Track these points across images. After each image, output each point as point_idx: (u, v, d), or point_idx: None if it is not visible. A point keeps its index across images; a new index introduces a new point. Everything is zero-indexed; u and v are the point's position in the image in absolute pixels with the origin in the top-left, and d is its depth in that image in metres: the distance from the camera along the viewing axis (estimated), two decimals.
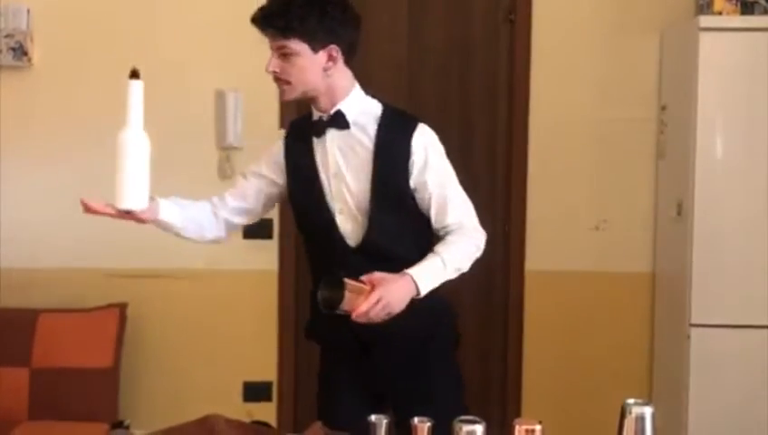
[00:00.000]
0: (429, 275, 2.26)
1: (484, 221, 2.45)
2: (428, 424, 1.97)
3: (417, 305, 2.24)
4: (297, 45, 2.27)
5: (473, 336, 3.72)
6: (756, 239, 3.40)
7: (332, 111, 2.35)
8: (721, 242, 3.42)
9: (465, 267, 2.34)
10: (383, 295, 2.14)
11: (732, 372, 3.41)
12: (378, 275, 2.18)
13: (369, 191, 2.32)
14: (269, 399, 3.91)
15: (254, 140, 3.84)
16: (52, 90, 3.83)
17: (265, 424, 2.34)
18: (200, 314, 3.88)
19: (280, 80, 2.33)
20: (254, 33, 4.11)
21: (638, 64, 3.85)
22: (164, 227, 2.40)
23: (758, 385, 3.38)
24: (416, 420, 1.98)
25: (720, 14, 3.45)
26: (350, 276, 2.16)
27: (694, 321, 3.42)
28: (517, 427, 1.83)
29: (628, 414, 1.89)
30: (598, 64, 3.85)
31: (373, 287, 2.16)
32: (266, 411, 3.74)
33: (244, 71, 3.83)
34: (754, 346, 3.40)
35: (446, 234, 2.36)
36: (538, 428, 1.82)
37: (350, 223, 2.35)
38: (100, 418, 3.37)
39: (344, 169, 2.35)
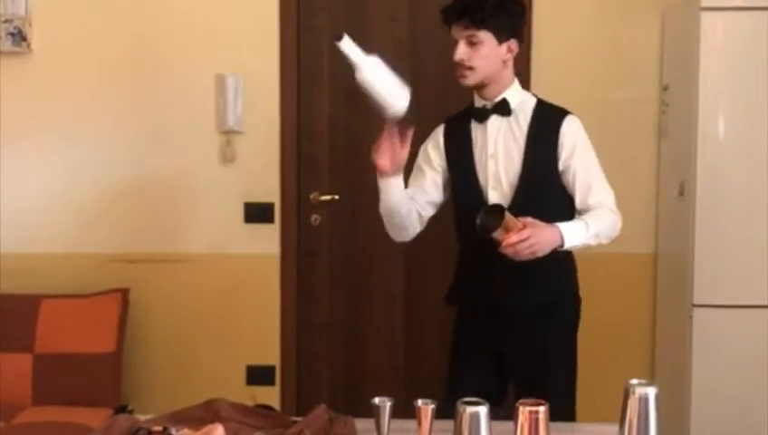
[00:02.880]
0: (574, 231, 2.52)
1: None
2: (432, 406, 1.97)
3: (550, 270, 2.57)
4: (486, 36, 2.60)
5: None
6: (759, 219, 3.39)
7: (497, 99, 2.67)
8: (723, 222, 3.41)
9: (603, 237, 2.59)
10: (533, 235, 2.39)
11: (734, 352, 3.41)
12: (531, 219, 2.42)
13: (519, 170, 2.62)
14: (272, 382, 3.91)
15: (255, 123, 3.84)
16: (51, 75, 3.81)
17: (269, 407, 2.34)
18: (203, 298, 3.88)
19: (463, 66, 2.62)
20: (254, 17, 4.10)
21: (639, 44, 3.82)
22: (391, 199, 2.63)
23: (760, 365, 3.38)
24: (419, 402, 1.99)
25: None
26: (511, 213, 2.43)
27: (696, 301, 3.42)
28: (521, 408, 1.83)
29: (631, 395, 1.90)
30: (599, 44, 3.82)
31: (526, 226, 2.40)
32: (270, 395, 3.75)
33: (245, 54, 3.82)
34: (757, 326, 3.39)
35: (588, 212, 2.62)
36: (542, 409, 1.82)
37: (501, 199, 2.63)
38: (103, 403, 3.38)
39: (501, 151, 2.66)
